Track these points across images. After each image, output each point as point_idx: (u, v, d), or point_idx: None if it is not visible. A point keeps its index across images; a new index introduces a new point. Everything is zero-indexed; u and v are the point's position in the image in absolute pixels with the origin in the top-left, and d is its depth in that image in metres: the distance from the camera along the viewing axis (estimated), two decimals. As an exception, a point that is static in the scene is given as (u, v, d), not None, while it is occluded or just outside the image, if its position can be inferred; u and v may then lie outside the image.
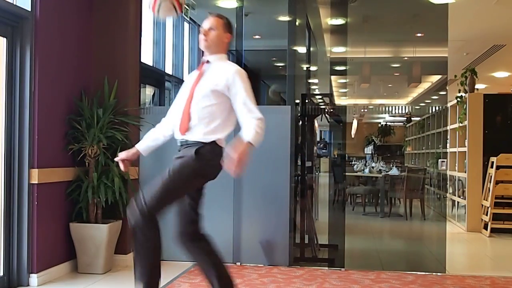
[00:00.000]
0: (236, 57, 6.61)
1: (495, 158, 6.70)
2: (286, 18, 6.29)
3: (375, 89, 14.89)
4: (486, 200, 6.76)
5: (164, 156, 3.64)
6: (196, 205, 2.91)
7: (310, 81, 8.87)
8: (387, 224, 8.03)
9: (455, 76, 7.62)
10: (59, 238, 4.23)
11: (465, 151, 7.21)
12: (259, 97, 11.46)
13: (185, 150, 2.82)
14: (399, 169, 9.73)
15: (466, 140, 7.18)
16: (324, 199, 9.00)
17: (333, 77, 13.24)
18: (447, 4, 6.33)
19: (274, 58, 10.15)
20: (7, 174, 3.85)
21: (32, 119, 3.89)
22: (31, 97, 3.88)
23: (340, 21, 7.45)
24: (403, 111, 17.83)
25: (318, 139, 17.95)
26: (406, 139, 14.90)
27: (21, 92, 3.87)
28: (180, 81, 6.95)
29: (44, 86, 3.99)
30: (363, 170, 10.10)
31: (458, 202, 7.76)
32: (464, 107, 7.23)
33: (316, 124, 7.32)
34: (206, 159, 2.79)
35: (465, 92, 7.29)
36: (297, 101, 5.36)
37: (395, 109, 18.64)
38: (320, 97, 6.07)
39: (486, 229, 6.69)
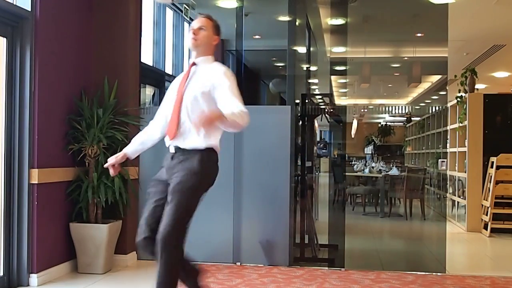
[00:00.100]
0: (236, 57, 6.61)
1: (495, 158, 6.70)
2: (286, 18, 6.29)
3: (375, 89, 14.89)
4: (486, 200, 6.76)
5: (164, 156, 3.63)
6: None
7: (310, 81, 8.87)
8: (387, 224, 8.03)
9: (455, 76, 7.62)
10: (59, 238, 4.23)
11: (465, 151, 7.21)
12: (259, 97, 11.47)
13: (184, 163, 2.76)
14: (399, 169, 9.73)
15: (466, 140, 7.18)
16: (324, 199, 9.00)
17: (333, 77, 13.24)
18: (447, 4, 6.33)
19: (274, 58, 10.15)
20: (7, 174, 3.85)
21: (32, 119, 3.88)
22: (31, 97, 3.88)
23: (340, 21, 7.44)
24: (403, 111, 17.83)
25: (318, 139, 17.94)
26: (406, 139, 14.91)
27: (21, 92, 3.87)
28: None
29: (44, 86, 3.99)
30: (363, 170, 10.10)
31: (458, 202, 7.76)
32: (464, 107, 7.23)
33: (316, 124, 7.32)
34: (210, 172, 2.82)
35: (465, 92, 7.29)
36: (297, 101, 5.36)
37: (395, 109, 18.60)
38: (320, 97, 6.07)
39: (486, 229, 6.69)
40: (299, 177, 5.07)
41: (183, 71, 3.04)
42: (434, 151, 9.99)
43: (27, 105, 3.87)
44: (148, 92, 6.59)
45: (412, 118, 15.68)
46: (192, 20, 3.34)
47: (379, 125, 23.16)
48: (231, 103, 2.71)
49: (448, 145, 8.52)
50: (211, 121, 2.56)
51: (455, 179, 7.92)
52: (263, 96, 11.94)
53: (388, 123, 22.66)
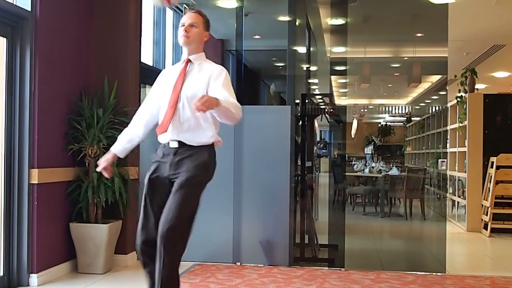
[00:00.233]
0: (236, 57, 6.61)
1: (495, 158, 6.70)
2: (286, 18, 6.29)
3: (375, 89, 14.89)
4: (486, 200, 6.76)
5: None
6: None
7: (310, 81, 8.86)
8: (387, 224, 8.03)
9: (455, 76, 7.62)
10: (59, 238, 4.23)
11: (465, 151, 7.21)
12: (259, 97, 11.46)
13: (192, 157, 2.77)
14: (399, 169, 9.73)
15: (466, 140, 7.18)
16: (324, 199, 9.00)
17: (333, 77, 13.24)
18: (447, 4, 6.32)
19: (274, 58, 10.15)
20: (7, 174, 3.85)
21: (32, 119, 3.88)
22: (31, 97, 3.88)
23: (340, 21, 7.44)
24: (403, 111, 17.84)
25: (318, 139, 17.94)
26: (406, 139, 14.91)
27: (21, 92, 3.87)
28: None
29: (44, 86, 3.99)
30: (363, 170, 10.10)
31: (458, 202, 7.76)
32: (464, 107, 7.23)
33: (316, 124, 7.32)
34: (214, 167, 2.85)
35: (465, 92, 7.29)
36: (297, 101, 5.36)
37: (395, 109, 18.65)
38: (320, 97, 6.07)
39: (486, 229, 6.69)
40: (299, 177, 5.07)
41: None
42: (434, 151, 9.99)
43: (27, 105, 3.87)
44: (148, 92, 6.58)
45: (412, 118, 15.70)
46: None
47: (379, 125, 23.16)
48: (224, 94, 2.73)
49: (448, 145, 8.52)
50: (209, 104, 2.52)
51: (455, 179, 7.92)
52: (263, 96, 11.94)
53: (388, 123, 22.66)
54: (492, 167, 6.74)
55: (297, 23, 6.17)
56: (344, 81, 14.49)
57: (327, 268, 4.64)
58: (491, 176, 6.71)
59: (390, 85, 15.11)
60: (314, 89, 11.63)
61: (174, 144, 2.81)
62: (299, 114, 5.14)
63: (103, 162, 2.96)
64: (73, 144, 4.29)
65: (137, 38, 4.91)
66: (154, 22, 6.61)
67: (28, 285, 3.89)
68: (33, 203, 3.89)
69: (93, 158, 4.33)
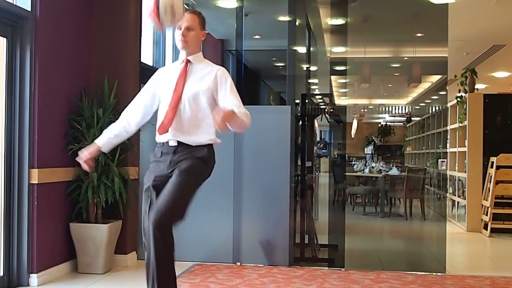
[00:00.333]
0: (236, 57, 6.62)
1: (495, 158, 6.70)
2: (286, 18, 6.29)
3: (375, 89, 14.89)
4: (486, 200, 6.76)
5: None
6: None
7: (310, 81, 8.87)
8: (387, 224, 8.03)
9: (455, 76, 7.62)
10: (59, 238, 4.23)
11: (465, 151, 7.21)
12: (259, 97, 11.47)
13: (192, 153, 2.79)
14: (399, 169, 9.73)
15: (466, 140, 7.18)
16: (324, 199, 9.00)
17: (333, 77, 13.24)
18: (447, 4, 6.33)
19: (274, 58, 10.15)
20: (7, 174, 3.85)
21: (32, 119, 3.88)
22: (31, 97, 3.88)
23: (340, 21, 7.44)
24: (403, 111, 17.84)
25: (318, 139, 17.94)
26: (406, 139, 14.91)
27: (21, 92, 3.87)
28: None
29: (44, 86, 3.99)
30: (363, 170, 10.10)
31: (458, 202, 7.76)
32: (464, 107, 7.23)
33: (316, 124, 7.32)
34: (213, 164, 2.88)
35: (465, 92, 7.29)
36: (297, 101, 5.36)
37: (395, 109, 18.65)
38: (320, 97, 6.08)
39: (486, 229, 6.69)
40: (299, 177, 5.07)
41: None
42: (434, 151, 9.99)
43: (27, 105, 3.87)
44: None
45: (412, 118, 15.70)
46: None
47: (379, 125, 23.17)
48: (234, 102, 2.80)
49: (448, 145, 8.52)
50: (228, 119, 2.57)
51: (455, 179, 7.92)
52: (263, 96, 11.95)
53: (388, 123, 22.67)
54: (492, 167, 6.74)
55: (297, 23, 6.17)
56: (344, 81, 14.50)
57: (327, 268, 4.64)
58: (491, 176, 6.71)
59: (390, 85, 15.11)
60: (314, 89, 11.63)
61: (173, 143, 2.82)
62: (299, 114, 5.14)
63: (86, 155, 2.90)
64: (73, 144, 4.28)
65: (137, 38, 4.91)
66: (154, 22, 6.59)
67: (28, 285, 3.89)
68: (33, 203, 3.89)
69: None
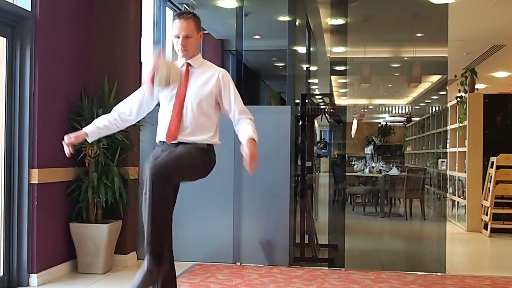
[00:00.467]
0: (236, 57, 6.61)
1: (495, 158, 6.70)
2: (286, 18, 6.29)
3: (375, 89, 14.89)
4: (486, 200, 6.76)
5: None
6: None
7: (310, 81, 8.87)
8: (387, 224, 8.03)
9: (455, 76, 7.62)
10: (59, 238, 4.23)
11: (465, 151, 7.21)
12: (259, 97, 11.47)
13: (192, 143, 2.83)
14: (399, 169, 9.73)
15: (466, 140, 7.18)
16: (324, 199, 9.00)
17: (333, 77, 13.25)
18: (447, 4, 6.33)
19: (274, 58, 10.16)
20: (7, 174, 3.85)
21: (32, 119, 3.88)
22: (31, 97, 3.88)
23: (340, 21, 7.44)
24: (403, 111, 17.83)
25: (318, 139, 17.94)
26: (406, 139, 14.91)
27: (21, 92, 3.87)
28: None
29: (44, 86, 3.99)
30: (363, 170, 10.10)
31: (458, 202, 7.76)
32: (464, 107, 7.23)
33: (316, 124, 7.32)
34: (211, 160, 2.90)
35: (465, 92, 7.29)
36: (297, 101, 5.35)
37: (395, 109, 18.64)
38: (320, 97, 6.08)
39: (486, 229, 6.69)
40: (299, 177, 5.07)
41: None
42: (434, 151, 9.99)
43: (27, 105, 3.87)
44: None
45: (412, 118, 15.69)
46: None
47: (379, 125, 23.17)
48: (243, 115, 2.88)
49: (448, 145, 8.52)
50: (257, 157, 2.70)
51: (455, 179, 7.92)
52: (263, 96, 11.95)
53: (388, 123, 22.67)
54: (492, 167, 6.74)
55: (297, 23, 6.17)
56: (344, 81, 14.50)
57: (327, 268, 4.64)
58: (491, 176, 6.71)
59: (390, 85, 15.11)
60: (314, 89, 11.64)
61: (174, 141, 2.86)
62: (299, 114, 5.14)
63: (72, 137, 2.94)
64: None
65: (137, 38, 4.91)
66: (154, 22, 6.61)
67: (28, 285, 3.89)
68: (33, 203, 3.89)
69: (93, 158, 4.34)
